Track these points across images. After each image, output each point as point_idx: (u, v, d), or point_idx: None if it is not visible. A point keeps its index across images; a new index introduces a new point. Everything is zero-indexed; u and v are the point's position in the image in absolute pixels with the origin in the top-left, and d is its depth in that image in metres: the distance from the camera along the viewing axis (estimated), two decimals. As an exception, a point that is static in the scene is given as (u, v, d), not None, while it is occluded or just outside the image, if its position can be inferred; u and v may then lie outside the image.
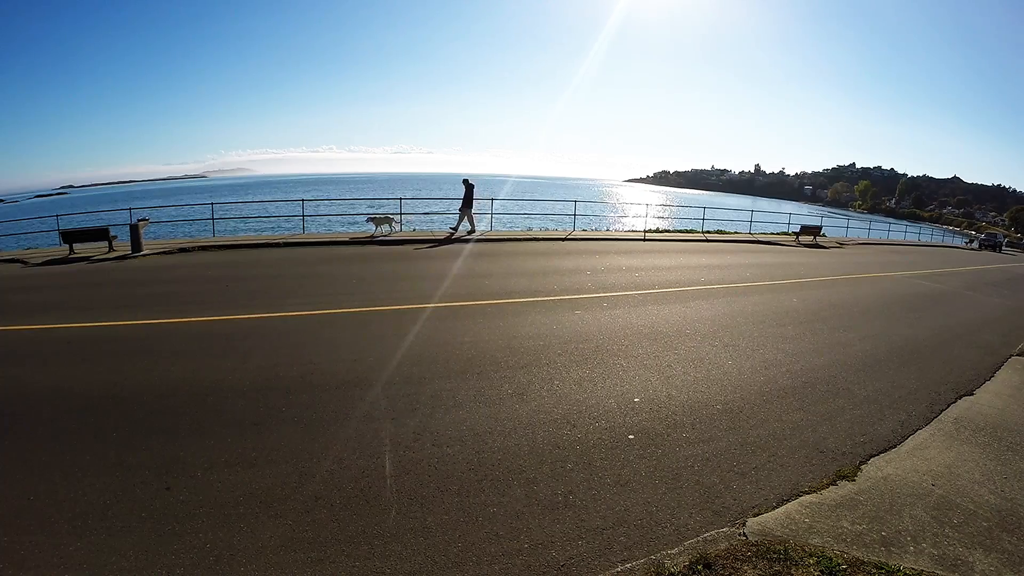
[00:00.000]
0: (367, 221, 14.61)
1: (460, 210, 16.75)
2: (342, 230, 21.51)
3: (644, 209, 26.41)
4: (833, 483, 3.56)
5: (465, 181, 16.38)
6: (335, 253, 13.29)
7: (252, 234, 21.41)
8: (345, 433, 3.97)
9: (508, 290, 8.92)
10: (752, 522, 3.10)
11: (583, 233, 20.47)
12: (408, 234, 16.53)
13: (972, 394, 5.42)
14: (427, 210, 36.06)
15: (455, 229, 16.76)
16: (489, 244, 15.52)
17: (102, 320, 6.85)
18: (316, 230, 20.93)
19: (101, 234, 13.87)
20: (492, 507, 3.19)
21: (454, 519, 3.07)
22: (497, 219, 21.49)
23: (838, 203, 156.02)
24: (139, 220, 14.04)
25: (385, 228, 14.04)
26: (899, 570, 2.69)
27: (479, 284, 9.46)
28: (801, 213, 40.33)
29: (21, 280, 10.25)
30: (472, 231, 16.81)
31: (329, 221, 26.70)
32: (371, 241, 15.30)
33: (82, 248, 13.68)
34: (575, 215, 22.40)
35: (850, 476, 3.65)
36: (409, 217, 20.82)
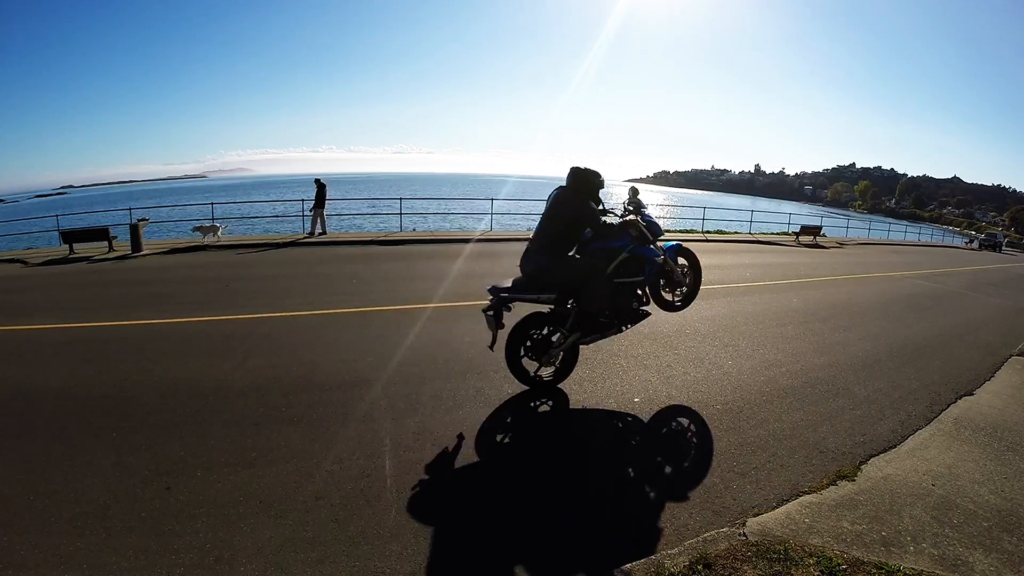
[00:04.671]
0: (193, 231, 14.77)
1: (312, 211, 16.57)
2: (341, 230, 21.50)
3: (644, 209, 26.36)
4: (833, 483, 3.55)
5: (317, 181, 16.33)
6: (335, 253, 13.30)
7: (252, 234, 21.39)
8: (345, 433, 3.97)
9: (508, 290, 8.90)
10: (752, 522, 3.10)
11: (583, 233, 20.45)
12: (244, 238, 16.25)
13: (972, 394, 5.41)
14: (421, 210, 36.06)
15: (312, 232, 16.47)
16: (489, 244, 15.52)
17: (102, 320, 6.85)
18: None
19: (101, 234, 13.89)
20: (492, 507, 3.19)
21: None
22: (497, 219, 21.48)
23: (838, 203, 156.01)
24: (139, 220, 14.05)
25: (211, 236, 14.33)
26: (899, 570, 2.69)
27: (479, 284, 9.44)
28: (801, 213, 40.31)
29: (21, 280, 10.25)
30: (323, 232, 16.53)
31: (329, 221, 26.68)
32: (371, 241, 15.30)
33: (82, 248, 13.70)
34: (575, 215, 22.37)
35: (850, 476, 3.65)
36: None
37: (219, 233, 14.73)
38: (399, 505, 3.17)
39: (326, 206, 16.57)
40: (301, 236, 16.12)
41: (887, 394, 5.25)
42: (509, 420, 4.27)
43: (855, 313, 8.84)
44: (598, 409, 4.50)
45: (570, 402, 4.61)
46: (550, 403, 4.58)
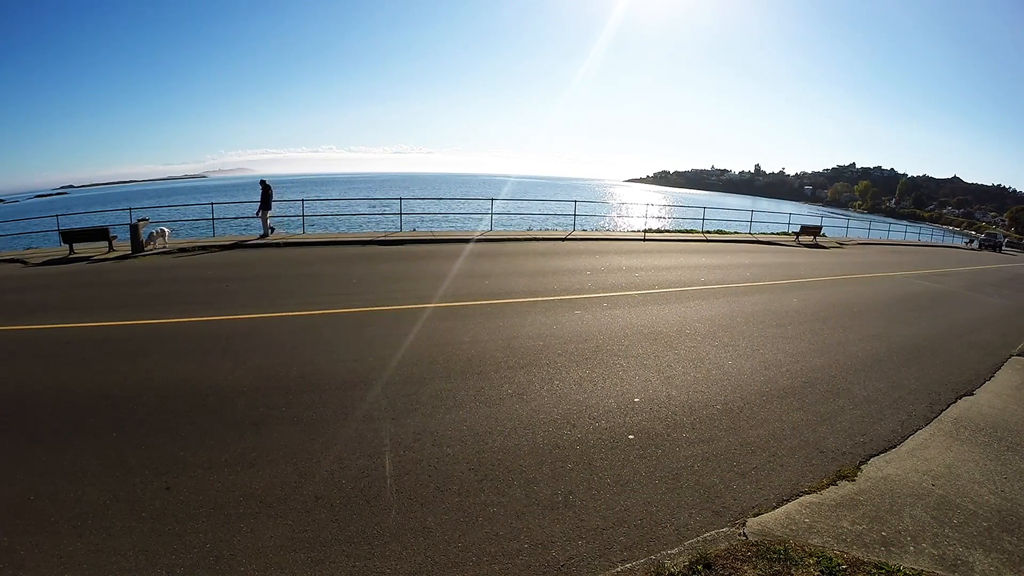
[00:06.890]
0: (146, 241, 14.84)
1: (259, 212, 16.44)
2: (341, 230, 21.53)
3: (644, 209, 26.41)
4: (833, 483, 3.56)
5: (262, 182, 16.33)
6: (335, 253, 13.30)
7: (253, 234, 21.40)
8: (345, 433, 3.97)
9: (508, 290, 8.92)
10: (752, 522, 3.10)
11: (583, 233, 20.47)
12: (193, 240, 16.11)
13: (972, 394, 5.42)
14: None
15: (265, 234, 16.33)
16: (489, 244, 15.52)
17: (102, 320, 6.85)
18: (316, 230, 20.93)
19: (101, 234, 13.88)
20: (492, 507, 3.19)
21: (454, 519, 3.07)
22: (497, 219, 21.48)
23: (838, 203, 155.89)
24: (139, 220, 14.04)
25: (159, 241, 14.41)
26: (899, 570, 2.69)
27: (479, 284, 9.46)
28: (801, 213, 40.30)
29: (21, 280, 10.25)
30: (269, 232, 16.45)
31: (329, 221, 26.72)
32: (371, 241, 15.31)
33: (82, 248, 13.69)
34: (575, 215, 22.40)
35: (850, 476, 3.65)
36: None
37: (166, 238, 14.68)
38: (399, 505, 3.17)
39: (272, 207, 16.45)
40: (253, 238, 15.98)
41: (887, 394, 5.25)
42: (508, 420, 4.27)
43: (855, 313, 8.84)
44: (598, 409, 4.50)
45: (570, 402, 4.61)
46: (549, 402, 4.58)
